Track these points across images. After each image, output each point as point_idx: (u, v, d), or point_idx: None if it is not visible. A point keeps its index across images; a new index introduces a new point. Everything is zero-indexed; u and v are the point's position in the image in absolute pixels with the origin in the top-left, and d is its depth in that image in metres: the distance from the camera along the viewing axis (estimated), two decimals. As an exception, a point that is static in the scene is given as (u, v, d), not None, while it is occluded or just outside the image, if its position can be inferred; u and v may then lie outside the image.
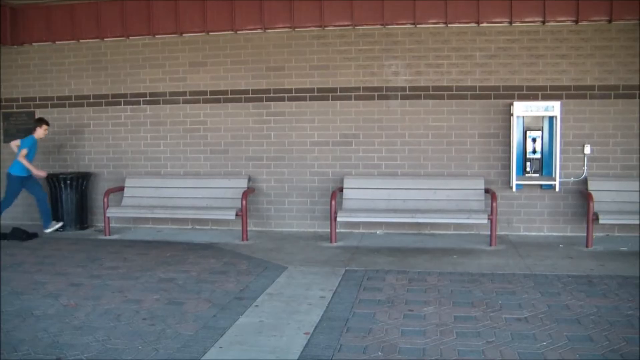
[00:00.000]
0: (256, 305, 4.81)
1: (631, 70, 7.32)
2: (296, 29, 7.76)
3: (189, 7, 7.87)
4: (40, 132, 7.73)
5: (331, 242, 7.20)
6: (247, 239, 7.40)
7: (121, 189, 8.12)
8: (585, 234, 7.00)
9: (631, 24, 7.31)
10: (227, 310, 4.70)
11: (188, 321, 4.44)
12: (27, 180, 7.66)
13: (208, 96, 8.02)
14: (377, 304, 4.81)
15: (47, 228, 7.80)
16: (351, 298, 4.99)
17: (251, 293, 5.15)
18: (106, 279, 5.63)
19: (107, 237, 7.69)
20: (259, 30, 7.83)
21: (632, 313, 4.56)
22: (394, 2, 7.49)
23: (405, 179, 7.60)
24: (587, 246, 6.91)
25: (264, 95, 7.89)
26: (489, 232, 7.06)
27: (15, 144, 7.75)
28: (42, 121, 7.78)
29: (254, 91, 7.90)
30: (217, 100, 7.99)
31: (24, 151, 7.50)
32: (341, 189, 7.57)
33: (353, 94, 7.71)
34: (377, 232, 7.76)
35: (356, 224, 7.75)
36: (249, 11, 7.75)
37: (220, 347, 3.94)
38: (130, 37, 8.15)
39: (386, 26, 7.60)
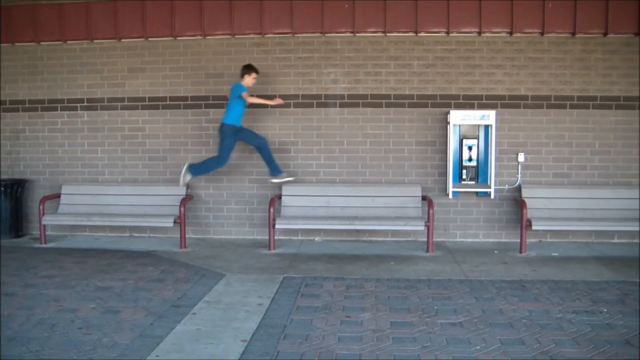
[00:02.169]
0: (193, 313, 4.76)
1: (562, 81, 7.50)
2: (236, 36, 7.73)
3: (128, 12, 7.77)
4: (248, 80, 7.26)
5: (270, 249, 7.16)
6: (185, 247, 7.31)
7: (57, 196, 7.94)
8: (519, 240, 7.11)
9: (562, 36, 7.49)
10: (164, 318, 4.65)
11: (124, 330, 4.37)
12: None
13: (147, 102, 7.91)
14: (314, 311, 4.81)
15: None
16: (289, 305, 4.98)
17: (189, 301, 5.09)
18: (41, 288, 5.48)
19: (43, 246, 7.49)
20: (199, 37, 7.77)
21: (562, 316, 4.70)
22: (334, 11, 7.52)
23: (343, 186, 7.61)
24: (520, 252, 7.04)
25: (203, 102, 7.81)
26: (426, 239, 7.12)
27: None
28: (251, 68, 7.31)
29: (193, 98, 7.83)
30: (156, 107, 7.89)
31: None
32: (280, 197, 7.54)
33: (292, 101, 7.70)
34: (316, 239, 7.74)
35: (295, 231, 7.72)
36: (189, 17, 7.68)
37: (157, 356, 3.91)
38: (68, 42, 7.99)
39: (325, 34, 7.62)
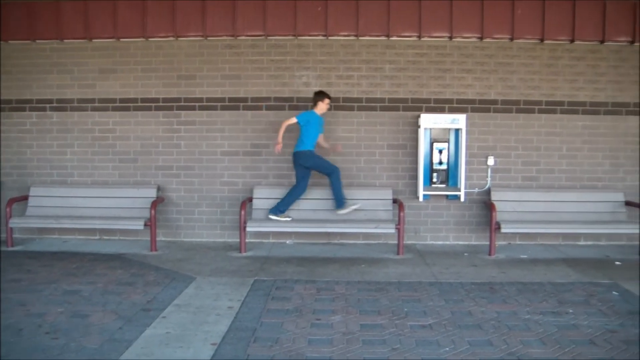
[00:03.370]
0: (163, 317, 4.72)
1: (531, 86, 7.62)
2: (208, 38, 7.70)
3: (99, 11, 7.68)
4: (322, 107, 7.20)
5: (241, 252, 7.13)
6: (156, 250, 7.24)
7: (25, 198, 7.80)
8: (488, 243, 7.19)
9: (531, 42, 7.61)
10: (133, 322, 4.59)
11: (93, 334, 4.31)
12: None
13: (118, 104, 7.83)
14: (285, 314, 4.81)
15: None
16: (259, 308, 4.97)
17: (158, 304, 5.05)
18: (8, 292, 5.37)
19: (10, 249, 7.35)
20: (171, 38, 7.72)
21: (529, 317, 4.78)
22: (306, 13, 7.53)
23: (315, 189, 7.60)
24: (490, 254, 7.12)
25: (175, 104, 7.76)
26: (396, 242, 7.15)
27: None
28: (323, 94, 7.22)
29: (165, 99, 7.77)
30: (127, 108, 7.81)
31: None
32: (251, 199, 7.52)
33: (264, 104, 7.69)
34: (287, 242, 7.74)
35: (266, 234, 7.70)
36: (161, 18, 7.63)
37: (126, 360, 3.85)
38: (38, 41, 7.87)
39: (298, 37, 7.64)
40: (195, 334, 4.36)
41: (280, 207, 7.24)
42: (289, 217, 7.31)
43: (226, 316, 4.75)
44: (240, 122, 7.72)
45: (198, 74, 7.74)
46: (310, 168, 7.19)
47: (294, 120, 7.03)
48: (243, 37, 7.68)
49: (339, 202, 7.18)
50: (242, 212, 7.07)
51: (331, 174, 7.15)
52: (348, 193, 7.46)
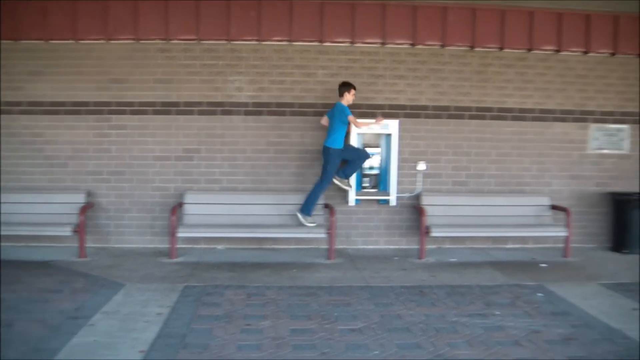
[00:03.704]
0: (91, 325, 4.64)
1: (462, 92, 7.75)
2: (140, 41, 7.58)
3: (28, 12, 7.48)
4: (349, 98, 7.11)
5: (171, 258, 7.06)
6: (85, 256, 7.11)
7: (-50, 204, 7.56)
8: (418, 247, 7.27)
9: (462, 49, 7.73)
10: (59, 330, 4.50)
11: (16, 344, 4.20)
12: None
13: (47, 107, 7.65)
14: (215, 320, 4.78)
15: None
16: (189, 314, 4.93)
17: (86, 312, 4.96)
18: None
19: None
20: (102, 41, 7.58)
21: (457, 319, 4.89)
22: (240, 18, 7.49)
23: (246, 194, 7.59)
24: (420, 258, 7.22)
25: (106, 108, 7.63)
26: (328, 246, 7.18)
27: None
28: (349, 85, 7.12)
29: (95, 103, 7.63)
30: (57, 112, 7.64)
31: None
32: (182, 204, 7.45)
33: (196, 108, 7.63)
34: (218, 247, 7.69)
35: (197, 240, 7.64)
36: (92, 20, 7.47)
37: (51, 370, 3.76)
38: (-37, 42, 7.65)
39: (231, 42, 7.60)
40: (123, 341, 4.30)
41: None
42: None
43: (155, 323, 4.70)
44: (172, 127, 7.64)
45: (130, 77, 7.62)
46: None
47: (352, 117, 6.94)
48: (176, 41, 7.60)
49: (307, 209, 7.15)
50: (173, 218, 7.00)
51: (323, 179, 7.12)
52: (279, 198, 7.47)
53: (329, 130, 7.09)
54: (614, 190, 8.02)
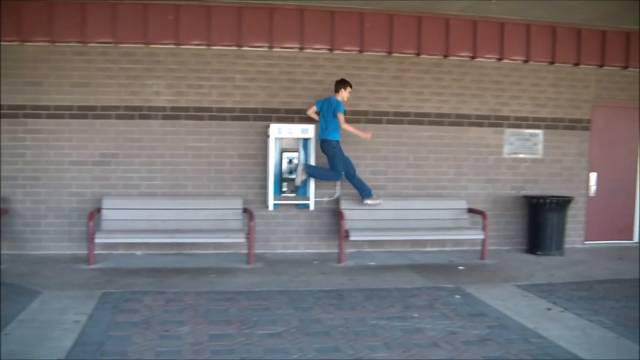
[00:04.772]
0: (6, 334, 4.52)
1: (379, 97, 7.93)
2: (56, 44, 7.46)
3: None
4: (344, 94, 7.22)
5: (89, 264, 6.99)
6: (-1, 264, 7.01)
7: None
8: (338, 251, 7.36)
9: (380, 55, 7.83)
10: None
11: None
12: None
13: (-42, 111, 7.49)
14: (133, 326, 4.74)
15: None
16: (107, 321, 4.87)
17: (1, 321, 4.81)
18: None
19: None
20: (17, 43, 7.43)
21: (376, 322, 4.93)
22: (157, 22, 7.44)
23: (165, 199, 7.57)
24: (339, 262, 7.29)
25: (20, 112, 7.48)
26: (247, 251, 7.20)
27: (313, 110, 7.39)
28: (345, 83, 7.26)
29: (10, 107, 7.47)
30: (-31, 116, 7.49)
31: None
32: (100, 210, 7.39)
33: (114, 112, 7.56)
34: (137, 253, 7.66)
35: (115, 245, 7.59)
36: (5, 21, 7.30)
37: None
38: None
39: (149, 45, 7.54)
40: (39, 350, 4.21)
41: (366, 193, 7.38)
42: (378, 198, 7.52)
43: (72, 330, 4.63)
44: (89, 131, 7.55)
45: (45, 80, 7.49)
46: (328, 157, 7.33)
47: (342, 116, 7.12)
48: (93, 44, 7.50)
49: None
50: (91, 224, 6.94)
51: (331, 172, 7.32)
52: (196, 203, 7.48)
53: (321, 124, 7.25)
54: (528, 194, 8.25)
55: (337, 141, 7.21)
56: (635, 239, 8.93)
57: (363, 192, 7.43)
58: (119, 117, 7.57)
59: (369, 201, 7.45)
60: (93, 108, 7.54)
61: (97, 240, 6.99)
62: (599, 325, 4.97)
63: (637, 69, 8.48)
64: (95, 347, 4.32)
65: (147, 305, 5.38)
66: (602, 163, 8.70)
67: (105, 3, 7.36)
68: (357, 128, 7.29)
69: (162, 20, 7.47)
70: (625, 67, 8.46)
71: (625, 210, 8.89)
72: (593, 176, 8.67)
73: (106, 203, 7.44)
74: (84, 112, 7.54)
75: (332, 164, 7.26)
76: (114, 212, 7.41)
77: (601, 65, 8.38)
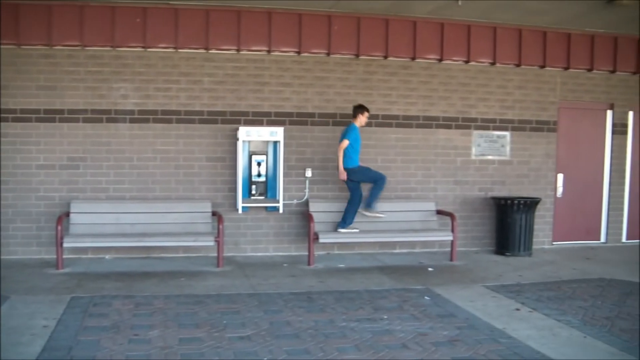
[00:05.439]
0: None
1: (347, 100, 7.89)
2: (22, 47, 7.41)
3: None
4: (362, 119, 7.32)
5: (58, 268, 6.97)
6: (-34, 269, 6.96)
7: None
8: (307, 253, 7.39)
9: (347, 57, 7.87)
10: None
11: None
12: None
13: None
14: (102, 330, 4.73)
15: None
16: (76, 326, 4.86)
17: None
18: None
19: None
20: (-19, 46, 7.39)
21: (345, 325, 4.96)
22: (124, 25, 7.42)
23: (133, 202, 7.57)
24: (309, 264, 7.33)
25: (-14, 115, 7.46)
26: (216, 254, 7.22)
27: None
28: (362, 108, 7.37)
29: (-27, 112, 7.44)
30: None
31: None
32: (68, 214, 7.37)
33: (81, 116, 7.53)
34: (106, 257, 7.66)
35: (84, 250, 7.58)
36: (-32, 24, 7.28)
37: None
38: None
39: (116, 48, 7.52)
40: (8, 355, 4.19)
41: (347, 220, 7.39)
42: (356, 228, 7.47)
43: (41, 335, 4.61)
44: (56, 135, 7.52)
45: (11, 84, 7.43)
46: (360, 182, 7.42)
47: (346, 143, 7.16)
48: (59, 47, 7.47)
49: (369, 204, 7.47)
50: (59, 228, 6.92)
51: (376, 181, 7.38)
52: (165, 206, 7.49)
53: (349, 153, 7.28)
54: (496, 195, 8.33)
55: (350, 169, 7.29)
56: (603, 239, 9.06)
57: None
58: (86, 120, 7.55)
59: (343, 230, 7.48)
60: (60, 111, 7.51)
61: (65, 245, 6.98)
62: (567, 325, 5.05)
63: (602, 71, 8.60)
64: (64, 352, 4.32)
65: (116, 310, 5.38)
66: (569, 164, 8.82)
67: (72, 5, 7.32)
68: (340, 159, 7.28)
69: (129, 23, 7.45)
70: (590, 70, 8.58)
71: (592, 211, 9.03)
72: (560, 177, 8.79)
73: (74, 207, 7.43)
74: (50, 115, 7.51)
75: (369, 178, 7.40)
76: (82, 216, 7.39)
77: (567, 68, 8.49)
